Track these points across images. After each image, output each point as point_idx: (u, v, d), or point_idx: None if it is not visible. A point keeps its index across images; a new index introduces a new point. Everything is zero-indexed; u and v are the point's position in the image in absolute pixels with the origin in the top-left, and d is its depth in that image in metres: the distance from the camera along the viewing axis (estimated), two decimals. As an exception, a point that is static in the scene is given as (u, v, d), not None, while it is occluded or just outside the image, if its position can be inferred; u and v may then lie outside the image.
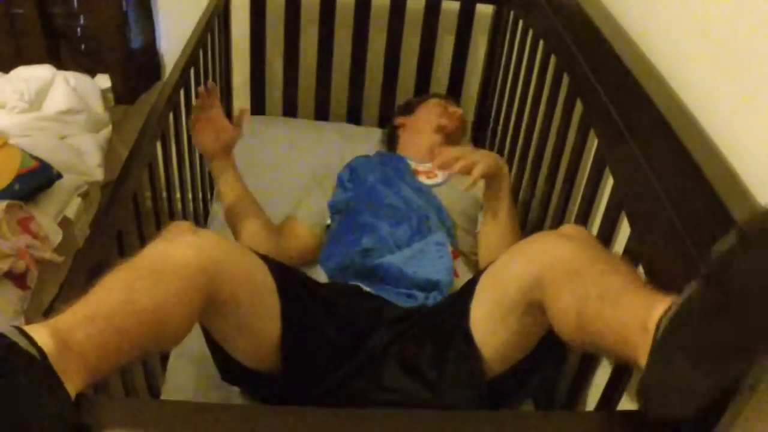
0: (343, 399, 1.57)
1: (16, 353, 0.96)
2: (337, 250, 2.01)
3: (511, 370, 1.55)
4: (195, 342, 1.79)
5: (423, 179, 2.27)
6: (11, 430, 0.92)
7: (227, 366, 1.61)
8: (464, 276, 1.91)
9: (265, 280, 1.54)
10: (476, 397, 1.55)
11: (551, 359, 1.61)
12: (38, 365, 0.98)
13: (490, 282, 1.56)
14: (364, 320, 1.67)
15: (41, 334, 1.02)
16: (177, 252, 1.32)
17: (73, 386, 1.02)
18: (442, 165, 1.94)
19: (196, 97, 2.23)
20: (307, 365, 1.57)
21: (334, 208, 2.17)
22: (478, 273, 1.65)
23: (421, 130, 2.48)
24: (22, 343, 0.98)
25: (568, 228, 1.53)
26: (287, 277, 1.61)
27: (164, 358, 1.83)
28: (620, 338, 1.13)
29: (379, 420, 1.07)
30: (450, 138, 2.47)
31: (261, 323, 1.51)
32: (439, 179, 2.29)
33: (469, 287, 1.62)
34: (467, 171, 1.92)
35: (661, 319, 1.00)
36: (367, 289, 1.83)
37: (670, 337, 0.96)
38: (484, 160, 1.94)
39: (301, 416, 1.07)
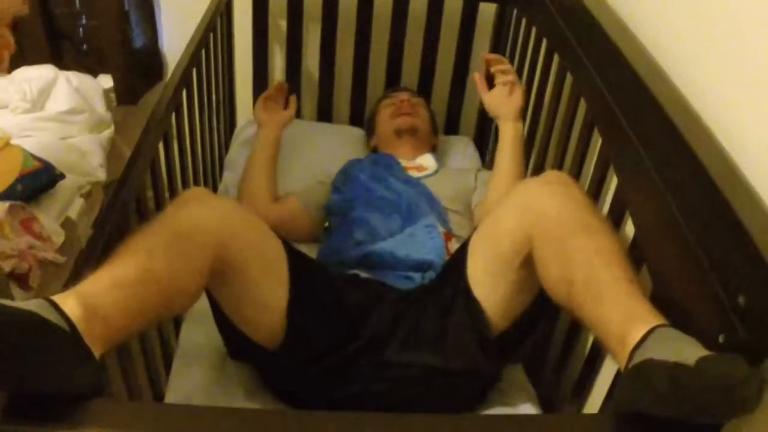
0: (350, 378, 1.58)
1: (49, 331, 1.02)
2: (333, 246, 2.03)
3: (513, 325, 1.57)
4: (199, 346, 1.80)
5: (413, 173, 2.30)
6: (47, 391, 1.01)
7: (232, 338, 1.63)
8: None
9: (277, 251, 1.57)
10: (484, 355, 1.56)
11: (548, 310, 1.62)
12: (69, 338, 1.05)
13: (484, 239, 1.58)
14: (367, 301, 1.68)
15: (70, 303, 1.09)
16: (193, 215, 1.38)
17: (97, 351, 1.10)
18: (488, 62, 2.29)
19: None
20: (311, 339, 1.57)
21: (330, 210, 2.19)
22: (468, 237, 1.67)
23: (389, 143, 2.52)
24: (53, 317, 1.04)
25: (552, 174, 1.54)
26: (299, 254, 1.64)
27: (168, 361, 1.83)
28: (602, 337, 1.22)
29: (378, 424, 1.07)
30: (419, 134, 2.52)
31: (268, 292, 1.52)
32: (429, 171, 2.35)
33: (463, 249, 1.64)
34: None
35: (636, 349, 1.07)
36: (364, 275, 1.84)
37: (637, 381, 1.02)
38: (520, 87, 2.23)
39: (304, 420, 1.07)
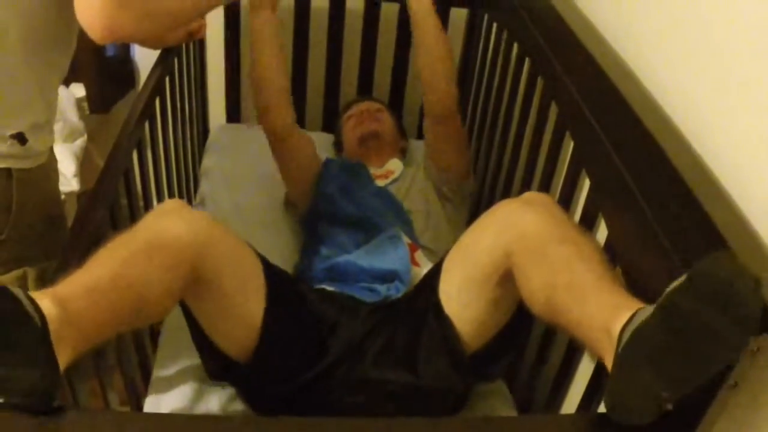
0: (324, 394, 1.58)
1: (22, 318, 1.00)
2: (304, 262, 2.07)
3: (488, 345, 1.57)
4: (178, 358, 1.79)
5: (380, 182, 2.30)
6: None
7: (208, 355, 1.62)
8: (425, 265, 1.93)
9: (253, 263, 1.57)
10: (457, 375, 1.56)
11: (524, 330, 1.63)
12: (39, 333, 1.02)
13: (460, 256, 1.58)
14: (339, 316, 1.68)
15: (45, 301, 1.07)
16: (169, 227, 1.37)
17: (65, 355, 1.07)
18: None
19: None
20: (284, 352, 1.57)
21: (302, 224, 2.21)
22: (444, 253, 1.67)
23: (354, 152, 2.50)
24: (29, 307, 1.02)
25: (531, 194, 1.53)
26: (274, 268, 1.64)
27: (147, 374, 1.82)
28: (586, 336, 1.19)
29: (362, 429, 1.07)
30: (382, 139, 2.49)
31: (244, 303, 1.52)
32: (396, 174, 2.33)
33: (437, 267, 1.64)
34: None
35: (624, 329, 1.05)
36: (330, 288, 1.83)
37: (632, 350, 1.01)
38: None
39: (284, 427, 1.07)
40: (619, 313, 1.09)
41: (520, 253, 1.36)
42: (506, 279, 1.42)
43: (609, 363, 1.07)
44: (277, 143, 2.28)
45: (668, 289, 0.97)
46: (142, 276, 1.27)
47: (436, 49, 2.22)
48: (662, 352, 0.96)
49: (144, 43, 2.15)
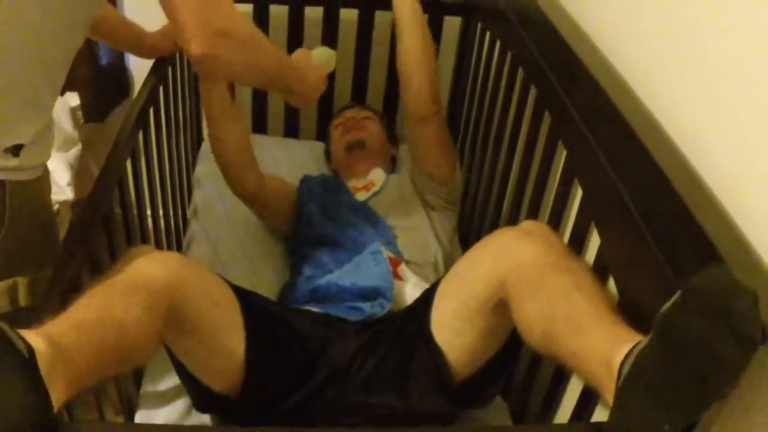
0: (311, 418, 1.58)
1: (7, 348, 0.95)
2: (288, 284, 2.07)
3: (477, 373, 1.56)
4: (167, 373, 1.78)
5: (361, 195, 2.31)
6: None
7: (196, 392, 1.61)
8: (408, 279, 1.94)
9: (229, 297, 1.56)
10: (446, 401, 1.56)
11: (514, 359, 1.63)
12: (25, 363, 0.96)
13: (454, 283, 1.57)
14: (323, 337, 1.67)
15: (32, 337, 1.03)
16: (144, 268, 1.36)
17: (58, 391, 1.02)
18: None
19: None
20: (272, 381, 1.57)
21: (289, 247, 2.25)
22: (437, 280, 1.67)
23: (341, 161, 2.53)
24: (13, 337, 0.97)
25: (528, 224, 1.54)
26: (250, 296, 1.64)
27: (138, 381, 1.82)
28: (584, 370, 1.18)
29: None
30: (369, 147, 2.51)
31: (225, 338, 1.52)
32: (377, 187, 2.33)
33: (429, 294, 1.64)
34: None
35: (624, 362, 1.04)
36: (315, 310, 1.83)
37: (632, 382, 1.00)
38: None
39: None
40: (619, 346, 1.07)
41: (515, 283, 1.35)
42: (500, 308, 1.42)
43: (609, 398, 1.06)
44: (248, 200, 2.29)
45: (663, 309, 0.95)
46: (124, 315, 1.24)
47: (419, 50, 2.20)
48: (662, 382, 0.94)
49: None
